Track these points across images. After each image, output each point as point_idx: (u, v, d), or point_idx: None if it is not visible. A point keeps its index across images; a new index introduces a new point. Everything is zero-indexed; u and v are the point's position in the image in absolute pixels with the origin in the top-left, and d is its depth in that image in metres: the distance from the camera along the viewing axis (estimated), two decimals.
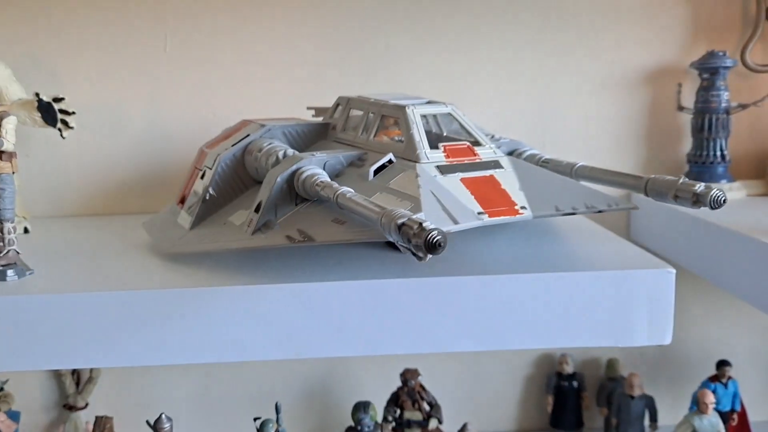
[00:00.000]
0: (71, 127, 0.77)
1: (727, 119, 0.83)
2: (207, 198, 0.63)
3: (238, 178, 0.64)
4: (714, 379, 0.84)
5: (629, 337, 0.55)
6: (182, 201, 0.67)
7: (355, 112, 0.64)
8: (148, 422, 0.67)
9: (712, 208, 0.46)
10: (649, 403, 0.86)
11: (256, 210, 0.56)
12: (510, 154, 0.64)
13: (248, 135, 0.65)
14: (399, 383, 0.84)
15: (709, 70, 0.83)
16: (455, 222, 0.46)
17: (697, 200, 0.47)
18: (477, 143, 0.55)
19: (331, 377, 0.95)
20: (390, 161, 0.54)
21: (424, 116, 0.57)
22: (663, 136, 0.90)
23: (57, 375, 0.92)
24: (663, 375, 0.96)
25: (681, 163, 0.89)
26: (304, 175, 0.54)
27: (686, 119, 0.88)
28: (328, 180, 0.52)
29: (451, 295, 0.53)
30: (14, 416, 0.82)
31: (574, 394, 0.92)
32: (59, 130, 0.76)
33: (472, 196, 0.49)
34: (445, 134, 0.60)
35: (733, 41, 0.86)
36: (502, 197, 0.50)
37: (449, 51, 0.87)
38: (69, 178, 0.89)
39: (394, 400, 0.83)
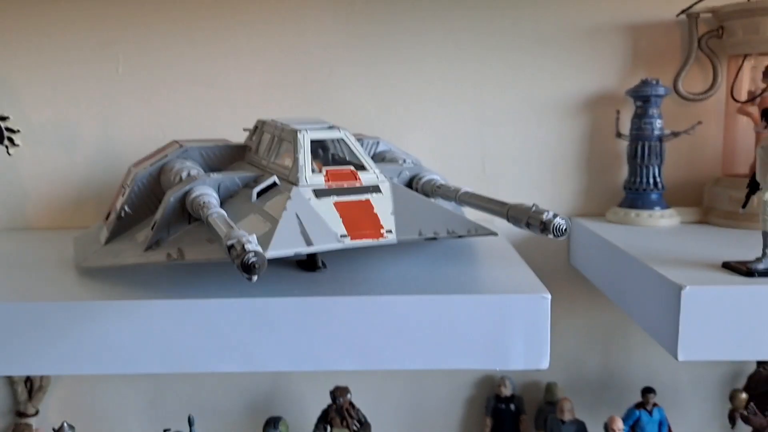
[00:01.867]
0: (17, 145, 0.80)
1: (660, 146, 0.84)
2: (122, 215, 0.65)
3: (154, 196, 0.67)
4: (639, 405, 0.83)
5: (506, 361, 0.56)
6: (108, 217, 0.70)
7: (267, 135, 0.66)
8: (54, 429, 0.70)
9: (555, 236, 0.48)
10: (580, 428, 0.86)
11: (152, 228, 0.58)
12: (411, 178, 0.65)
13: (166, 155, 0.68)
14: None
15: (642, 97, 0.84)
16: (309, 244, 0.48)
17: (544, 228, 0.48)
18: (362, 168, 0.57)
19: (275, 392, 0.97)
20: (274, 184, 0.56)
21: (319, 141, 0.59)
22: (602, 162, 0.91)
23: (10, 382, 0.96)
24: (604, 400, 0.96)
25: (619, 189, 0.90)
26: (192, 195, 0.56)
27: (625, 146, 0.89)
28: (211, 200, 0.55)
29: (333, 314, 0.55)
30: None
31: (511, 416, 0.92)
32: (6, 147, 0.80)
33: (341, 220, 0.51)
34: (347, 159, 0.62)
35: (671, 70, 0.87)
36: (372, 221, 0.52)
37: (390, 77, 0.89)
38: (25, 191, 0.93)
39: (324, 417, 0.85)
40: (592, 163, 0.91)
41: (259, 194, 0.56)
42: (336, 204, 0.53)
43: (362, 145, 0.73)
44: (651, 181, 0.85)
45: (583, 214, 0.92)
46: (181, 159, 0.67)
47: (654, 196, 0.85)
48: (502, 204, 0.54)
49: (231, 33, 0.89)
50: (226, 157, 0.69)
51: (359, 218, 0.52)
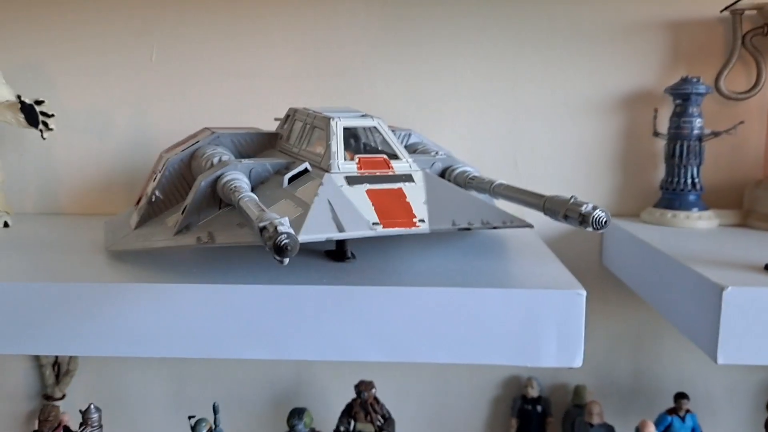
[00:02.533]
0: (51, 129, 0.81)
1: (699, 146, 0.82)
2: (153, 200, 0.65)
3: (185, 181, 0.66)
4: (671, 411, 0.81)
5: (537, 358, 0.54)
6: (138, 202, 0.70)
7: (299, 123, 0.66)
8: (80, 410, 0.70)
9: (594, 228, 0.46)
10: None
11: (183, 212, 0.58)
12: (444, 170, 0.64)
13: (197, 141, 0.68)
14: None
15: (681, 95, 0.82)
16: (341, 230, 0.47)
17: (583, 220, 0.47)
18: (395, 157, 0.56)
19: (300, 383, 0.96)
20: (306, 170, 0.55)
21: (351, 128, 0.58)
22: (638, 161, 0.89)
23: (38, 365, 0.97)
24: (634, 405, 0.94)
25: (656, 189, 0.88)
26: (224, 180, 0.56)
27: (662, 145, 0.86)
28: (242, 185, 0.54)
29: (361, 304, 0.54)
30: None
31: (538, 418, 0.91)
32: (40, 131, 0.81)
33: (373, 207, 0.50)
34: (379, 148, 0.61)
35: (712, 68, 0.85)
36: (404, 210, 0.51)
37: (424, 72, 0.88)
38: (58, 177, 0.94)
39: (348, 411, 0.84)
40: (627, 162, 0.89)
41: (291, 180, 0.55)
42: (368, 192, 0.52)
43: (394, 131, 0.73)
44: (689, 181, 0.82)
45: (617, 214, 0.90)
46: (212, 145, 0.67)
47: (692, 197, 0.83)
48: (539, 196, 0.52)
49: (264, 24, 0.89)
50: (257, 144, 0.69)
51: (391, 206, 0.51)
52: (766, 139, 0.84)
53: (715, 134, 0.82)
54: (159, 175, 0.66)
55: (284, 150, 0.66)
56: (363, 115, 0.60)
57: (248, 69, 0.90)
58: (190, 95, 0.90)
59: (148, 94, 0.91)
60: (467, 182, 0.61)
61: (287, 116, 0.70)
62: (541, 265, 0.61)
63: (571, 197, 0.49)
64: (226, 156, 0.62)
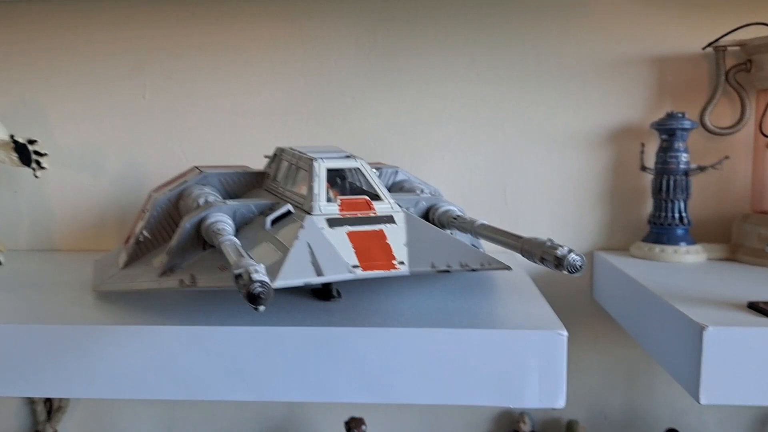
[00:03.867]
0: (44, 168, 0.82)
1: (686, 181, 0.82)
2: (141, 239, 0.66)
3: (173, 221, 0.67)
4: None
5: (521, 398, 0.54)
6: (127, 241, 0.71)
7: (285, 163, 0.66)
8: None
9: (569, 272, 0.46)
10: None
11: (167, 253, 0.58)
12: (428, 209, 0.65)
13: (185, 181, 0.69)
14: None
15: (667, 131, 0.82)
16: (319, 274, 0.48)
17: (558, 263, 0.47)
18: (377, 197, 0.57)
19: (291, 420, 0.96)
20: (289, 212, 0.56)
21: (336, 170, 0.59)
22: (627, 196, 0.90)
23: (30, 402, 0.96)
24: None
25: (644, 223, 0.88)
26: (207, 222, 0.56)
27: (649, 180, 0.87)
28: (225, 227, 0.55)
29: (346, 344, 0.54)
30: None
31: None
32: (33, 169, 0.82)
33: (353, 250, 0.51)
34: (364, 188, 0.62)
35: (698, 103, 0.86)
36: (384, 252, 0.51)
37: (412, 108, 0.90)
38: (52, 214, 0.94)
39: None
40: (615, 196, 0.90)
41: (274, 222, 0.56)
42: (349, 234, 0.52)
43: (381, 174, 0.73)
44: (677, 215, 0.83)
45: (606, 248, 0.91)
46: (199, 185, 0.67)
47: (680, 231, 0.83)
48: (517, 237, 0.53)
49: (255, 63, 0.90)
50: (244, 183, 0.69)
51: (372, 249, 0.51)
52: (752, 173, 0.85)
53: (701, 169, 0.82)
54: (147, 215, 0.67)
55: (271, 189, 0.67)
56: (347, 156, 0.61)
57: (239, 107, 0.91)
58: (182, 132, 0.92)
59: (141, 133, 0.92)
60: (450, 221, 0.62)
61: (274, 155, 0.71)
62: (524, 303, 0.61)
63: (548, 240, 0.49)
64: (212, 197, 0.63)
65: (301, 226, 0.52)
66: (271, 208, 0.59)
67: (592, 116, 0.89)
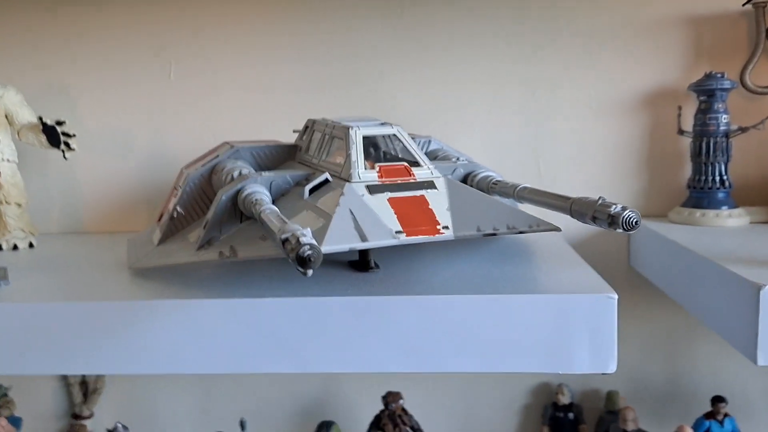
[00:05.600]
0: (73, 149, 0.82)
1: (726, 143, 0.80)
2: (175, 216, 0.65)
3: (206, 196, 0.66)
4: (709, 416, 0.79)
5: (570, 364, 0.53)
6: (160, 219, 0.70)
7: (318, 134, 0.65)
8: (107, 429, 0.70)
9: (624, 230, 0.45)
10: None
11: (204, 227, 0.58)
12: (466, 176, 0.63)
13: (217, 156, 0.68)
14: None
15: (706, 92, 0.80)
16: (364, 240, 0.47)
17: (612, 221, 0.45)
18: (416, 164, 0.55)
19: (327, 396, 0.96)
20: (326, 180, 0.55)
21: (370, 137, 0.58)
22: (664, 160, 0.87)
23: (66, 384, 0.97)
24: (669, 410, 0.92)
25: (682, 188, 0.86)
26: (244, 193, 0.55)
27: (687, 143, 0.85)
28: (263, 198, 0.54)
29: (387, 314, 0.53)
30: (16, 422, 0.86)
31: (570, 426, 0.89)
32: (62, 151, 0.81)
33: (395, 216, 0.49)
34: (399, 156, 0.60)
35: (736, 63, 0.83)
36: (428, 217, 0.50)
37: (441, 77, 0.88)
38: (81, 196, 0.94)
39: (376, 423, 0.83)
40: (652, 161, 0.88)
41: (312, 191, 0.55)
42: (390, 200, 0.51)
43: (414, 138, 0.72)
44: (717, 179, 0.81)
45: (644, 215, 0.88)
46: (232, 159, 0.66)
47: (721, 195, 0.81)
48: (565, 198, 0.51)
49: (280, 36, 0.89)
50: (277, 156, 0.68)
51: (414, 214, 0.50)
52: None
53: (743, 130, 0.80)
54: (180, 191, 0.66)
55: (304, 161, 0.66)
56: (382, 124, 0.60)
57: (265, 83, 0.90)
58: (209, 110, 0.91)
59: (168, 111, 0.91)
60: (490, 187, 0.60)
61: (306, 127, 0.69)
62: (569, 269, 0.60)
63: (599, 198, 0.47)
64: (246, 170, 0.62)
65: (342, 194, 0.50)
66: (307, 179, 0.58)
67: (627, 80, 0.86)
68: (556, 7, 0.86)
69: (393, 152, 0.60)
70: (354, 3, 0.88)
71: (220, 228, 0.57)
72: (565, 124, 0.88)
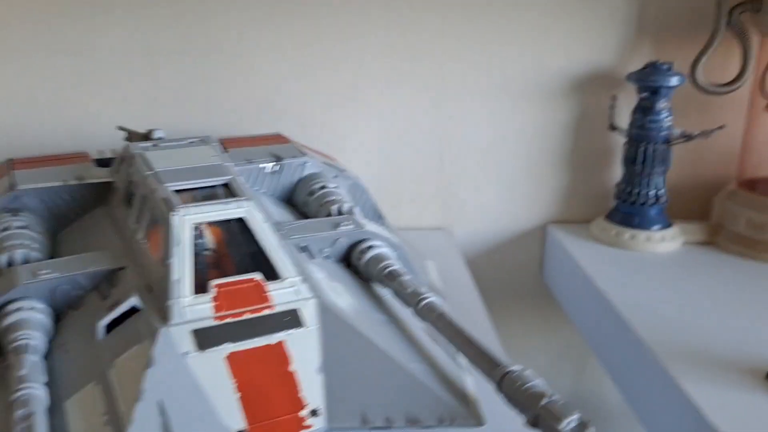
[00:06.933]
0: None
1: (666, 151, 0.66)
2: None
3: None
4: None
5: None
6: None
7: (137, 182, 0.45)
8: None
9: None
10: None
11: None
12: (350, 249, 0.46)
13: None
14: None
15: (648, 87, 0.65)
16: None
17: None
18: (274, 272, 0.37)
19: None
20: (134, 309, 0.36)
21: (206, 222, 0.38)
22: (589, 159, 0.73)
23: None
24: None
25: (608, 193, 0.72)
26: (5, 322, 0.36)
27: (618, 141, 0.70)
28: (27, 340, 0.34)
29: None
30: None
31: None
32: None
33: (237, 396, 0.32)
34: (248, 236, 0.40)
35: (686, 49, 0.68)
36: (287, 391, 0.33)
37: (320, 43, 0.67)
38: None
39: None
40: (576, 159, 0.73)
41: (111, 327, 0.36)
42: (231, 358, 0.33)
43: (282, 170, 0.53)
44: (652, 192, 0.67)
45: (562, 220, 0.75)
46: (8, 215, 0.45)
47: (654, 212, 0.68)
48: (492, 362, 0.34)
49: None
50: (80, 204, 0.48)
51: (267, 387, 0.32)
52: (743, 139, 0.69)
53: (687, 138, 0.66)
54: None
55: (118, 221, 0.45)
56: (225, 198, 0.39)
57: (83, 42, 0.65)
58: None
59: None
60: (383, 277, 0.43)
61: (122, 159, 0.48)
62: None
63: (550, 395, 0.31)
64: (19, 253, 0.41)
65: (150, 360, 0.32)
66: (110, 281, 0.39)
67: (552, 59, 0.69)
68: None
69: (238, 234, 0.39)
70: None
71: None
72: (475, 110, 0.70)
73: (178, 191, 0.40)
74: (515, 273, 0.76)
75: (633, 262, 0.65)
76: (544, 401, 0.30)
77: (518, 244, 0.75)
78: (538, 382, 0.32)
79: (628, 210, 0.69)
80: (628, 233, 0.68)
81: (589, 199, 0.74)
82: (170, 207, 0.37)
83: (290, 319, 0.35)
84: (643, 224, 0.68)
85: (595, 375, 0.81)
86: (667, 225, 0.69)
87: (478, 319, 0.54)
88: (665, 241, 0.67)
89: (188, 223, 0.37)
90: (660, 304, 0.57)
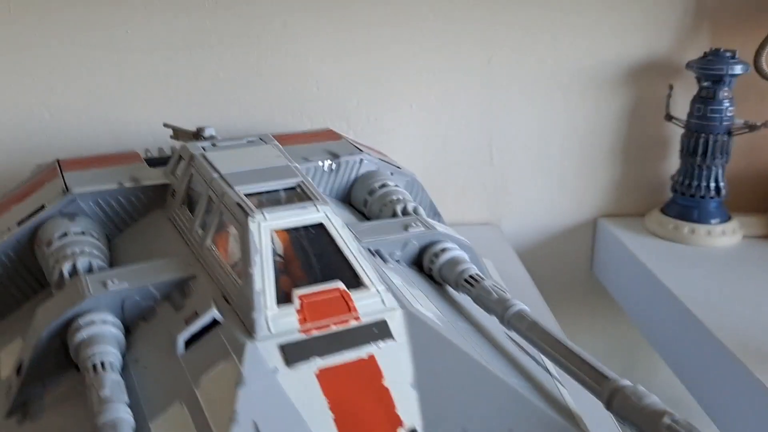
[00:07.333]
0: None
1: (727, 142, 0.64)
2: None
3: (26, 271, 0.44)
4: None
5: None
6: None
7: (198, 184, 0.43)
8: None
9: None
10: None
11: (18, 372, 0.36)
12: (422, 251, 0.44)
13: (43, 206, 0.44)
14: None
15: (711, 76, 0.62)
16: None
17: None
18: (357, 280, 0.35)
19: None
20: (215, 322, 0.34)
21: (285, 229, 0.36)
22: (645, 150, 0.71)
23: None
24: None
25: (664, 186, 0.70)
26: (78, 337, 0.34)
27: (675, 131, 0.68)
28: (104, 357, 0.33)
29: None
30: None
31: None
32: None
33: (331, 416, 0.30)
34: (323, 254, 0.38)
35: (748, 37, 0.65)
36: (382, 407, 0.31)
37: (369, 37, 0.65)
38: None
39: None
40: (629, 150, 0.71)
41: (190, 342, 0.34)
42: (321, 376, 0.31)
43: (339, 169, 0.51)
44: (712, 185, 0.65)
45: (615, 214, 0.73)
46: (65, 219, 0.43)
47: (713, 205, 0.66)
48: (600, 376, 0.32)
49: None
50: (137, 207, 0.46)
51: (361, 403, 0.31)
52: None
53: (750, 127, 0.63)
54: None
55: (176, 222, 0.43)
56: (302, 204, 0.37)
57: (121, 41, 0.63)
58: (36, 85, 0.64)
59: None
60: (461, 284, 0.41)
61: (179, 157, 0.46)
62: None
63: (667, 414, 0.29)
64: (82, 261, 0.39)
65: (240, 378, 0.30)
66: (182, 290, 0.37)
67: (605, 48, 0.67)
68: None
69: (308, 238, 0.37)
70: None
71: (43, 381, 0.35)
72: (526, 102, 0.68)
73: (248, 195, 0.38)
74: (564, 267, 0.74)
75: (694, 257, 0.63)
76: (666, 419, 0.28)
77: (567, 237, 0.73)
78: (655, 399, 0.30)
79: (687, 203, 0.66)
80: (687, 227, 0.66)
81: (642, 192, 0.72)
82: (247, 212, 0.35)
83: (380, 331, 0.33)
84: (703, 218, 0.66)
85: (648, 369, 0.79)
86: (726, 218, 0.66)
87: (544, 320, 0.52)
88: (725, 235, 0.65)
89: (267, 229, 0.35)
90: (729, 300, 0.55)
